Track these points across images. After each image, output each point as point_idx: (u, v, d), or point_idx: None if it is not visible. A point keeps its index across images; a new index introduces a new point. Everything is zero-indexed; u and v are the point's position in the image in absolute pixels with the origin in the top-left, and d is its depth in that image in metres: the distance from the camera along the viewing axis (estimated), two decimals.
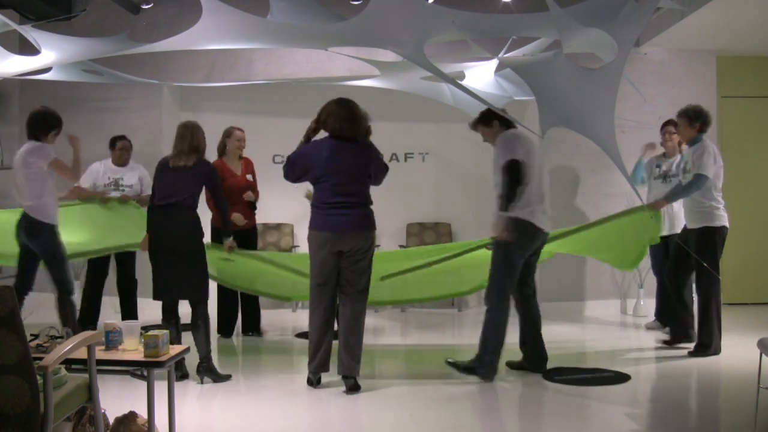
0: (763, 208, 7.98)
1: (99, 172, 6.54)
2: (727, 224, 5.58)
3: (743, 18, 6.36)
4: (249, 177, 6.37)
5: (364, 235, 4.68)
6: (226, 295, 6.31)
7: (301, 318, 7.56)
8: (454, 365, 4.98)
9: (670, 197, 5.68)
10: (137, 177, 6.59)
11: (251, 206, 6.29)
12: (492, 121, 5.09)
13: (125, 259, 6.43)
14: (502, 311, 4.89)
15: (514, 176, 4.82)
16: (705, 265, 5.37)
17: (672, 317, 5.90)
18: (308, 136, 4.84)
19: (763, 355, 3.70)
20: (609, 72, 4.10)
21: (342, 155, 4.67)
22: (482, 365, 4.89)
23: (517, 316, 5.11)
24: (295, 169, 4.74)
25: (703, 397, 4.84)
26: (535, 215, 4.90)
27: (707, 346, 5.53)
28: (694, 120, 5.64)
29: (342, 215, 4.62)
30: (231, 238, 5.30)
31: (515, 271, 4.92)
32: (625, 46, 4.10)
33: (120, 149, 6.58)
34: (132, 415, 3.53)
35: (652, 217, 5.49)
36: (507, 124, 5.07)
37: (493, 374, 4.90)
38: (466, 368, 4.93)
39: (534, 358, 5.10)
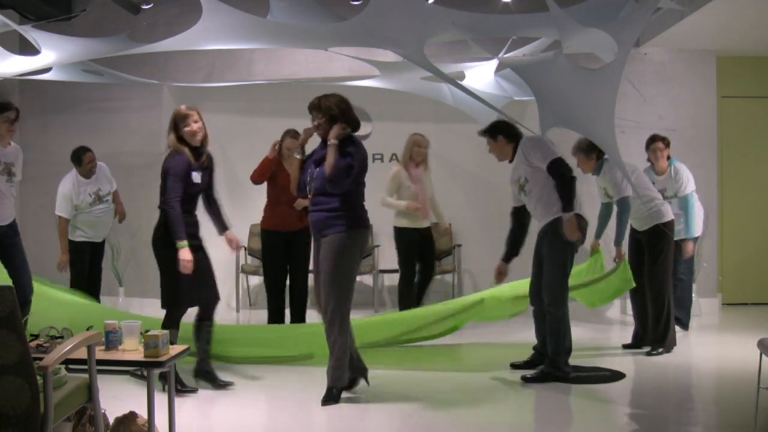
0: (763, 208, 7.98)
1: (73, 193, 6.38)
2: (672, 217, 5.65)
3: (743, 18, 6.36)
4: None
5: None
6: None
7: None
8: (534, 380, 4.87)
9: (620, 239, 5.57)
10: (108, 181, 6.54)
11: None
12: (498, 135, 5.09)
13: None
14: (566, 312, 4.89)
15: (566, 172, 4.79)
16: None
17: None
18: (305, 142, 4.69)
19: (763, 355, 3.70)
20: (609, 72, 4.10)
21: None
22: (557, 367, 4.86)
23: (534, 317, 5.15)
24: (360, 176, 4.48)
25: (703, 397, 4.84)
26: (581, 209, 4.94)
27: (662, 343, 5.57)
28: (589, 152, 5.58)
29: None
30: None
31: (570, 270, 4.94)
32: (625, 46, 4.10)
33: (89, 162, 6.38)
34: (132, 416, 3.52)
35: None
36: (515, 137, 5.07)
37: (568, 373, 4.86)
38: (542, 377, 4.87)
39: (565, 364, 4.99)
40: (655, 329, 5.62)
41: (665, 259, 5.56)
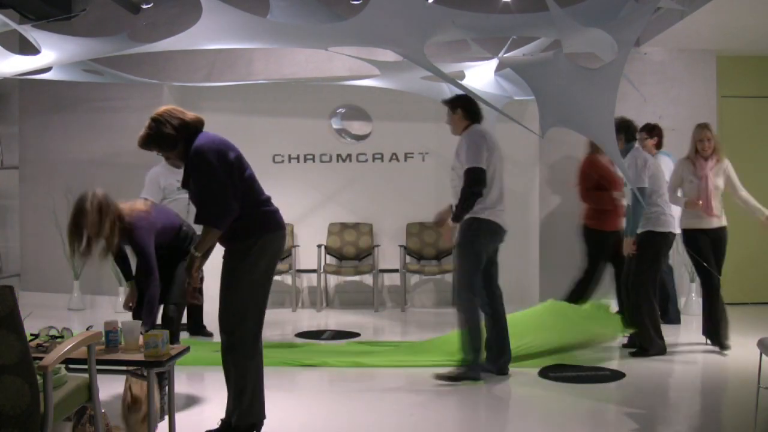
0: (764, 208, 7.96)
1: (161, 176, 6.28)
2: (674, 230, 5.62)
3: (743, 18, 6.36)
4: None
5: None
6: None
7: (301, 318, 7.57)
8: (448, 378, 4.87)
9: (633, 230, 5.51)
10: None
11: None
12: (458, 108, 5.02)
13: None
14: (475, 309, 4.88)
15: (473, 186, 4.75)
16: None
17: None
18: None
19: (763, 355, 3.70)
20: (609, 72, 4.10)
21: None
22: (469, 368, 4.86)
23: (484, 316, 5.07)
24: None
25: (703, 396, 4.84)
26: (499, 215, 4.89)
27: (645, 349, 5.57)
28: (617, 132, 5.52)
29: None
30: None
31: (480, 272, 4.89)
32: (625, 46, 4.10)
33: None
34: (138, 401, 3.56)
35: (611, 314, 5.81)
36: (473, 117, 5.02)
37: (479, 373, 4.87)
38: (455, 377, 4.86)
39: (499, 359, 5.04)
40: (638, 336, 5.63)
41: (647, 268, 5.52)
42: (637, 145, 5.66)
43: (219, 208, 3.49)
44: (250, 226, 3.58)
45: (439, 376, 4.88)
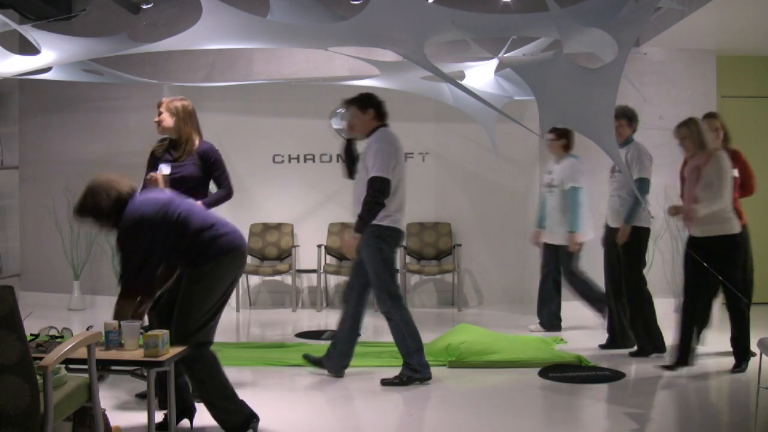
0: (764, 208, 7.97)
1: None
2: (649, 226, 5.62)
3: (743, 18, 6.36)
4: None
5: None
6: None
7: (301, 318, 7.57)
8: (393, 383, 4.80)
9: (631, 218, 5.51)
10: None
11: None
12: (369, 108, 4.98)
13: None
14: (402, 310, 4.84)
15: (375, 195, 4.71)
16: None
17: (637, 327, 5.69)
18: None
19: (763, 355, 3.70)
20: (609, 72, 4.10)
21: None
22: (414, 369, 4.82)
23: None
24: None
25: (703, 396, 4.84)
26: (399, 221, 4.87)
27: (643, 348, 5.57)
28: (632, 121, 5.69)
29: None
30: None
31: (393, 273, 4.86)
32: (625, 46, 4.10)
33: None
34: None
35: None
36: (383, 119, 5.00)
37: (427, 371, 4.85)
38: (403, 380, 4.82)
39: (341, 360, 5.00)
40: (635, 333, 5.60)
41: (637, 264, 5.57)
42: (635, 137, 5.71)
43: (135, 279, 3.54)
44: (197, 255, 3.63)
45: (385, 382, 4.81)
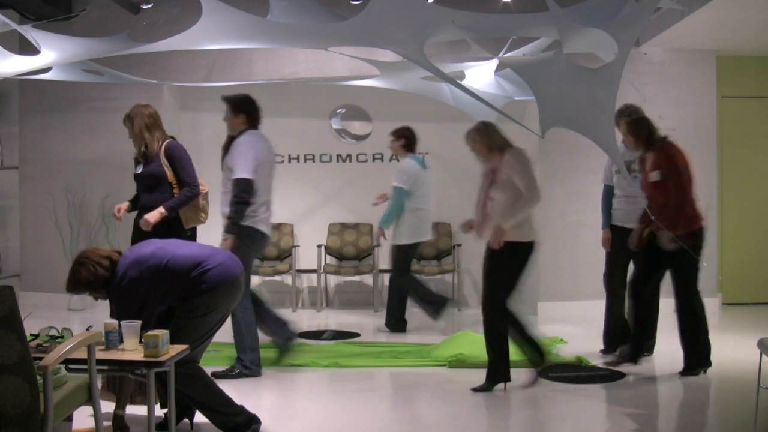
0: (763, 208, 7.97)
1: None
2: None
3: (743, 18, 6.36)
4: None
5: None
6: None
7: (301, 318, 7.56)
8: (225, 376, 4.86)
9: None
10: None
11: None
12: (241, 113, 5.11)
13: None
14: (246, 309, 4.91)
15: (240, 196, 4.80)
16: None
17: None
18: None
19: (763, 355, 3.70)
20: (609, 72, 4.10)
21: None
22: (245, 365, 4.94)
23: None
24: None
25: (703, 396, 4.84)
26: (260, 223, 4.96)
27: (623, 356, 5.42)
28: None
29: None
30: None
31: (248, 272, 4.87)
32: (625, 46, 4.10)
33: None
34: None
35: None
36: (253, 124, 5.10)
37: (258, 370, 4.97)
38: (232, 374, 4.89)
39: (251, 361, 5.02)
40: (648, 335, 5.54)
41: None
42: None
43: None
44: (188, 293, 3.66)
45: (216, 374, 4.77)
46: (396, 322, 6.67)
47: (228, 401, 3.74)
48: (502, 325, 4.68)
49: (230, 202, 4.83)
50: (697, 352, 5.08)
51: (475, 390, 4.65)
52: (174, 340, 3.54)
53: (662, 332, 6.66)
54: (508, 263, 4.65)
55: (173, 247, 3.77)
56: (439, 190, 8.32)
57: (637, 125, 5.12)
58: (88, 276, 3.60)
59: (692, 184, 5.01)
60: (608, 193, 5.76)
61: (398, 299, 6.69)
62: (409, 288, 6.61)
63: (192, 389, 3.69)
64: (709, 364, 5.12)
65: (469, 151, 4.91)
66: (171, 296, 3.70)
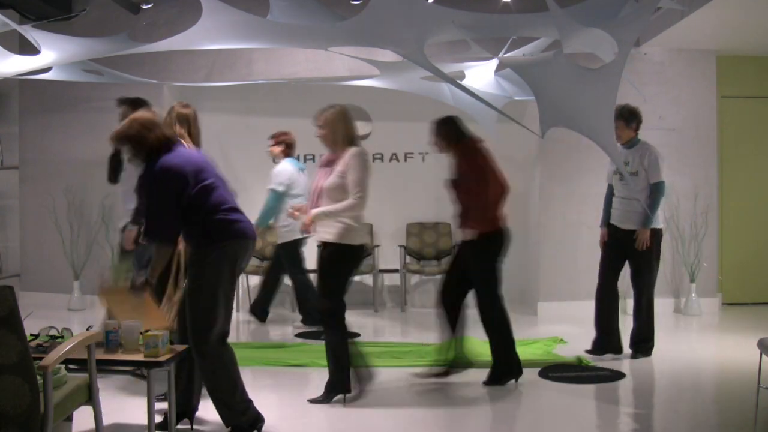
0: (763, 208, 7.98)
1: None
2: (661, 226, 5.58)
3: (743, 18, 6.36)
4: None
5: None
6: None
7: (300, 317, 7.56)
8: (140, 376, 4.63)
9: (650, 222, 5.43)
10: None
11: None
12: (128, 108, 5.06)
13: None
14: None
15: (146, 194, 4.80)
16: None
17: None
18: None
19: (763, 355, 3.70)
20: (609, 72, 4.10)
21: None
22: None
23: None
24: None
25: (703, 396, 4.84)
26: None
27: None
28: (630, 120, 5.56)
29: None
30: None
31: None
32: (625, 46, 4.09)
33: None
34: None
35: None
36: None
37: None
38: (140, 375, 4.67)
39: None
40: (644, 333, 5.56)
41: (652, 264, 5.53)
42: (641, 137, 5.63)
43: (162, 224, 3.60)
44: (205, 234, 3.65)
45: (136, 374, 4.65)
46: (308, 316, 6.81)
47: (243, 398, 3.72)
48: (341, 331, 4.51)
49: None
50: (503, 363, 4.85)
51: (312, 401, 4.44)
52: (188, 293, 3.62)
53: (661, 332, 6.68)
54: (334, 266, 4.44)
55: (218, 179, 3.77)
56: (439, 190, 8.32)
57: (444, 126, 4.96)
58: (142, 135, 3.61)
59: (488, 186, 4.84)
60: (610, 193, 5.79)
61: (305, 293, 6.80)
62: (296, 286, 6.84)
63: (212, 377, 3.65)
64: (519, 373, 4.86)
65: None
66: (189, 224, 3.64)
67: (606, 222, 5.77)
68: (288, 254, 6.79)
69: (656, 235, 5.49)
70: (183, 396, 3.87)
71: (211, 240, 3.64)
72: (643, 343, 5.55)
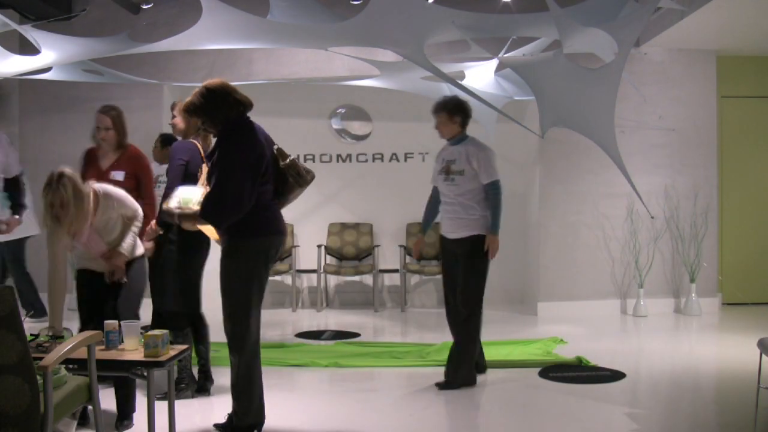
0: (763, 208, 7.98)
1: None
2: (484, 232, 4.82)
3: (743, 18, 6.36)
4: None
5: None
6: None
7: (301, 318, 7.57)
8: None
9: (497, 227, 4.78)
10: None
11: None
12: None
13: None
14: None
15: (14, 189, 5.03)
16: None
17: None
18: None
19: (763, 355, 3.70)
20: (609, 72, 4.11)
21: None
22: None
23: None
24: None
25: (703, 396, 4.84)
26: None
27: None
28: (455, 113, 4.87)
29: None
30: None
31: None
32: (625, 46, 4.10)
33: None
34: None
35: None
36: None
37: None
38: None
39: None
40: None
41: (483, 274, 4.86)
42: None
43: (226, 207, 3.54)
44: (243, 227, 3.63)
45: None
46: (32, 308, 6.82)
47: (258, 398, 3.75)
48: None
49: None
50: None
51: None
52: (222, 288, 3.63)
53: (661, 332, 6.69)
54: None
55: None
56: None
57: (119, 120, 4.85)
58: (218, 106, 3.63)
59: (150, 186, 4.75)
60: (434, 196, 5.20)
61: (27, 285, 6.85)
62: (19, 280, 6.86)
63: (246, 366, 3.66)
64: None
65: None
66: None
67: (425, 229, 5.28)
68: (16, 248, 6.86)
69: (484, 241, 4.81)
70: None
71: (245, 234, 3.62)
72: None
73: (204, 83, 3.71)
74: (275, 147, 3.85)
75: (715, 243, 7.56)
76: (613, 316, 7.34)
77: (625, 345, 6.26)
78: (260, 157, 3.62)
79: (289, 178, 3.79)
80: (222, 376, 4.63)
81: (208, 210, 3.56)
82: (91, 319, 3.86)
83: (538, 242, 7.57)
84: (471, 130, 5.06)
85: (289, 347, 6.03)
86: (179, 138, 4.72)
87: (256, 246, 3.65)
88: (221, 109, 3.65)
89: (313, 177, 3.88)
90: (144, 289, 4.11)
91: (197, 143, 4.56)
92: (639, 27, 4.35)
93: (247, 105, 3.75)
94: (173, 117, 4.76)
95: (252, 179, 3.56)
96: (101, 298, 3.86)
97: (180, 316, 4.53)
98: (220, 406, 4.42)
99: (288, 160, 3.82)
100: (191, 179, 4.26)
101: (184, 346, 3.64)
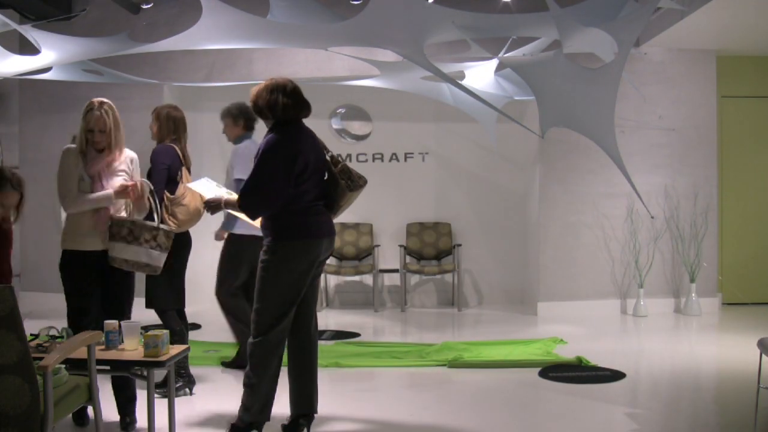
0: (763, 208, 7.98)
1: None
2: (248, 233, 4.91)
3: (743, 18, 6.36)
4: None
5: None
6: None
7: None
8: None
9: (230, 226, 5.07)
10: None
11: None
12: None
13: None
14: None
15: None
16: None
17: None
18: None
19: (763, 355, 3.70)
20: (609, 72, 4.10)
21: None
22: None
23: None
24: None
25: (703, 396, 4.84)
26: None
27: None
28: (237, 118, 5.18)
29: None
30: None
31: None
32: (625, 46, 4.10)
33: None
34: None
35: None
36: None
37: None
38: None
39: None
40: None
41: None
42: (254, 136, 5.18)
43: (255, 197, 3.66)
44: (283, 229, 3.69)
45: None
46: None
47: (269, 400, 3.77)
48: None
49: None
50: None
51: None
52: (257, 287, 3.66)
53: (661, 332, 6.70)
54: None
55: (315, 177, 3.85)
56: (439, 190, 8.33)
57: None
58: (270, 101, 3.91)
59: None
60: None
61: None
62: None
63: (254, 371, 3.68)
64: None
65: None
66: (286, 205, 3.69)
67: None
68: None
69: (232, 240, 5.08)
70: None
71: (283, 236, 3.68)
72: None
73: (273, 79, 4.03)
74: (329, 154, 4.00)
75: (715, 243, 7.56)
76: (613, 316, 7.34)
77: (625, 345, 6.26)
78: (296, 155, 3.73)
79: (341, 182, 3.87)
80: (222, 376, 4.64)
81: (242, 199, 3.68)
82: (82, 311, 3.87)
83: (538, 242, 7.57)
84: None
85: None
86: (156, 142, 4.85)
87: (294, 248, 3.68)
88: (276, 108, 3.91)
89: (365, 182, 3.99)
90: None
91: (175, 147, 4.68)
92: (639, 27, 4.36)
93: (305, 109, 4.05)
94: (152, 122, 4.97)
95: (284, 175, 3.64)
96: (91, 289, 4.07)
97: (172, 314, 4.59)
98: (220, 406, 4.42)
99: (340, 165, 3.93)
100: (171, 182, 4.52)
101: (184, 346, 3.65)
